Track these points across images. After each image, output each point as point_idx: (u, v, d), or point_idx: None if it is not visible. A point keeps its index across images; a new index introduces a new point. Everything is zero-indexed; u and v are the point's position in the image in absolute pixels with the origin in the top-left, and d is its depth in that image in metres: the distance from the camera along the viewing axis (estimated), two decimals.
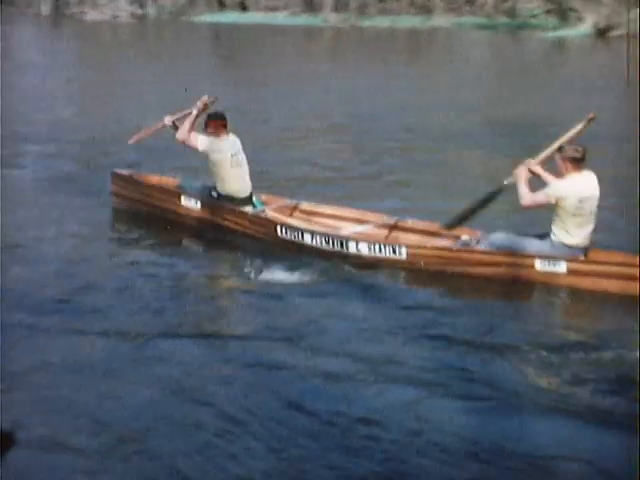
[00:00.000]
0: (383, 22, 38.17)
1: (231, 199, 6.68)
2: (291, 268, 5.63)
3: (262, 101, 15.25)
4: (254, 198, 6.79)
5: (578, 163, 5.48)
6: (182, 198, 6.77)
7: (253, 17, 42.43)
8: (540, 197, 5.54)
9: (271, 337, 4.70)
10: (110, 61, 23.06)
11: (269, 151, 10.08)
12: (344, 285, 5.47)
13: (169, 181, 7.17)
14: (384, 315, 5.02)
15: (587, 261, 5.50)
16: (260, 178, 7.15)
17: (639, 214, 6.59)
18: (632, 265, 5.29)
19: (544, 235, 5.60)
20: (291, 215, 6.78)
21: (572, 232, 5.52)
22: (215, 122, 6.69)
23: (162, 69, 20.72)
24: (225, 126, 6.69)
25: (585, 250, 5.58)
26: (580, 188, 5.48)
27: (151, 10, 43.32)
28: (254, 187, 6.80)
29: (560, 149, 5.55)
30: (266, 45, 29.32)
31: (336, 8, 40.81)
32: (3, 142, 10.27)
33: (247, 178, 6.79)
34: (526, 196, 5.57)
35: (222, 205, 6.61)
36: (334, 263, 5.77)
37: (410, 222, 6.33)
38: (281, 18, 41.51)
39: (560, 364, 4.35)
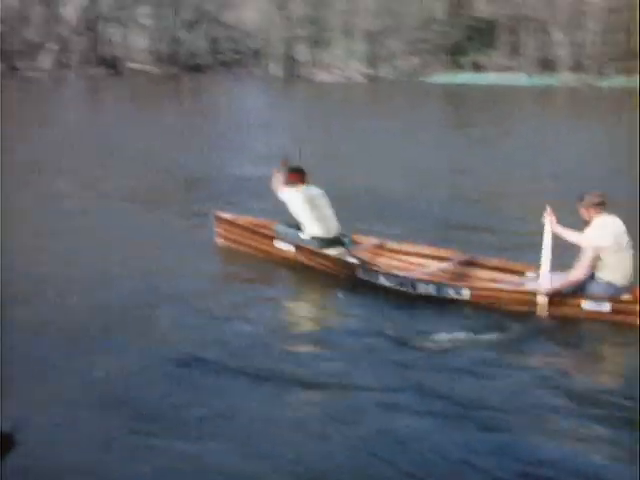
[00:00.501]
0: (620, 82, 36.24)
1: (320, 240, 7.33)
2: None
3: (496, 161, 14.56)
4: (344, 238, 7.43)
5: (600, 207, 5.90)
6: (275, 241, 7.42)
7: (487, 77, 41.91)
8: (585, 261, 5.84)
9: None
10: (339, 121, 23.32)
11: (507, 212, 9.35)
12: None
13: (265, 223, 7.92)
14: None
15: (629, 301, 5.82)
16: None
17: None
18: None
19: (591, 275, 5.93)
20: (377, 254, 7.40)
21: (615, 269, 5.87)
22: (293, 175, 7.51)
23: (392, 128, 20.62)
24: (302, 178, 7.50)
25: (628, 289, 5.87)
26: (610, 225, 5.88)
27: (384, 71, 43.92)
28: None
29: (581, 199, 5.96)
30: (499, 105, 28.53)
31: (573, 68, 39.34)
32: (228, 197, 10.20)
33: (332, 222, 7.45)
34: (576, 273, 5.87)
35: (310, 248, 7.20)
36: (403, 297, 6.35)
37: (482, 259, 6.95)
38: (516, 78, 40.66)
39: None
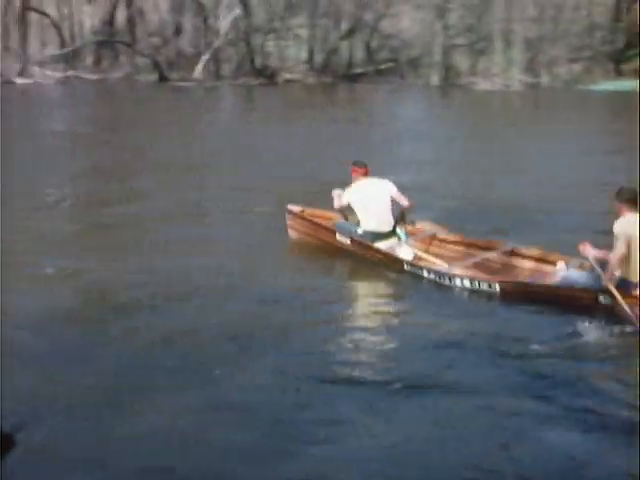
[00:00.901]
0: None
1: (374, 234, 8.22)
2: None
3: None
4: (399, 230, 8.27)
5: (633, 204, 6.33)
6: (337, 235, 8.44)
7: None
8: (618, 252, 6.25)
9: None
10: (501, 130, 22.85)
11: None
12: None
13: (331, 216, 8.86)
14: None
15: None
16: None
17: None
18: None
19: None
20: (430, 244, 8.35)
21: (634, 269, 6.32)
22: (355, 168, 8.49)
23: (555, 135, 20.00)
24: (365, 172, 8.43)
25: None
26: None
27: (545, 78, 42.75)
28: None
29: (618, 194, 6.44)
30: None
31: None
32: None
33: (386, 216, 8.31)
34: (608, 275, 6.29)
35: (365, 241, 8.15)
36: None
37: (523, 249, 7.68)
38: None
39: None
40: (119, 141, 19.20)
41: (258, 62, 42.01)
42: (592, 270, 6.60)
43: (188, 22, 43.03)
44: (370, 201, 8.32)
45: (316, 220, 8.83)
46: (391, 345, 5.88)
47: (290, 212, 8.99)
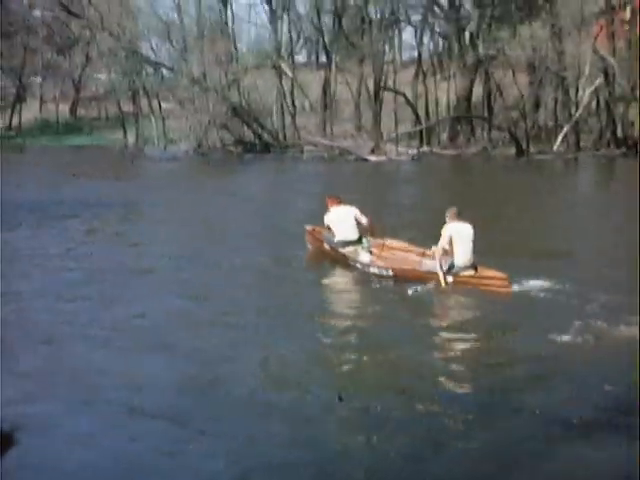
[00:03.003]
0: None
1: (344, 242, 12.71)
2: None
3: None
4: (363, 240, 12.63)
5: (456, 217, 11.19)
6: (324, 244, 13.20)
7: None
8: (440, 245, 11.14)
9: None
10: None
11: None
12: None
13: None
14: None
15: (467, 275, 11.00)
16: None
17: None
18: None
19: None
20: (382, 250, 12.62)
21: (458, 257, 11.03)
22: (330, 200, 13.13)
23: None
24: (337, 202, 13.06)
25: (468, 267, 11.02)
26: (454, 227, 11.13)
27: None
28: None
29: (448, 211, 11.29)
30: None
31: None
32: None
33: (351, 230, 12.72)
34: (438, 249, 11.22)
35: (335, 247, 12.79)
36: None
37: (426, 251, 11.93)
38: None
39: None
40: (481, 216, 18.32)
41: (619, 132, 40.38)
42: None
43: (547, 95, 42.78)
44: (341, 220, 12.82)
45: (316, 234, 13.59)
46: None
47: (307, 230, 13.93)
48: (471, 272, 10.87)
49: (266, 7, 46.17)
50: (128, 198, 23.10)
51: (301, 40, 48.93)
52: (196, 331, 8.99)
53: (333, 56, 45.28)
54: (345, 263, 12.41)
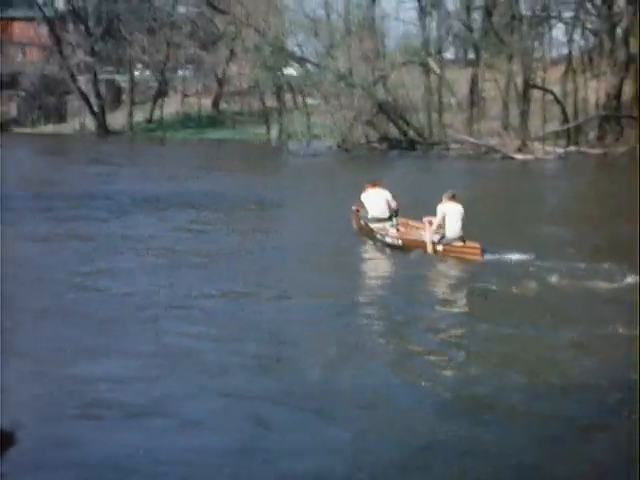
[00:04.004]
0: None
1: (375, 219, 16.01)
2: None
3: None
4: (393, 219, 15.88)
5: (452, 198, 14.92)
6: (361, 220, 16.43)
7: None
8: (436, 221, 14.66)
9: None
10: None
11: None
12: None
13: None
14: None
15: (456, 245, 14.51)
16: None
17: None
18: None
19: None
20: (406, 227, 15.93)
21: (449, 230, 14.56)
22: (369, 184, 16.33)
23: None
24: (374, 185, 16.34)
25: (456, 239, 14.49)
26: (449, 206, 14.66)
27: None
28: None
29: (445, 193, 15.06)
30: None
31: None
32: None
33: (382, 208, 15.97)
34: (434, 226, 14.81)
35: (367, 222, 16.13)
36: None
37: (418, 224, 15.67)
38: None
39: None
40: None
41: None
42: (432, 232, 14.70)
43: None
44: (374, 199, 16.06)
45: (358, 214, 16.60)
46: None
47: (352, 210, 16.83)
48: (460, 243, 14.27)
49: (415, 4, 47.22)
50: (268, 192, 24.32)
51: (449, 37, 49.68)
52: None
53: (482, 53, 45.92)
54: (373, 235, 15.84)
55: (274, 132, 49.97)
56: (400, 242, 15.33)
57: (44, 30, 59.49)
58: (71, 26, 58.82)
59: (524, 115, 44.15)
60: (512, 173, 35.93)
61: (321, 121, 45.65)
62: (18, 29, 64.57)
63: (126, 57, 57.49)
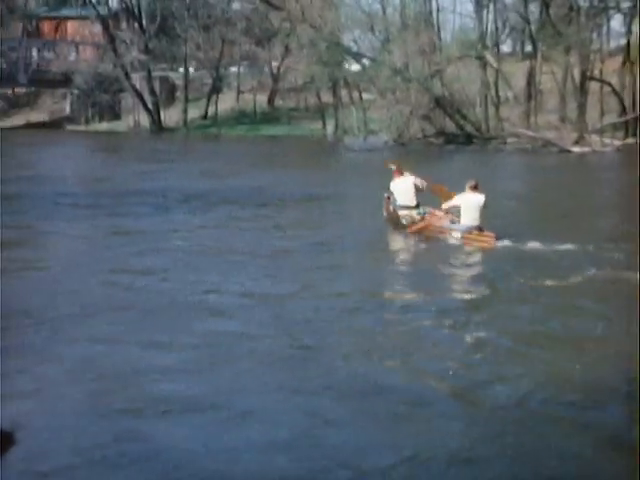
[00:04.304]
0: None
1: (403, 206, 16.51)
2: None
3: None
4: (420, 207, 16.46)
5: (474, 188, 15.52)
6: (391, 207, 16.71)
7: None
8: (453, 203, 15.77)
9: None
10: None
11: None
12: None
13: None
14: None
15: (475, 234, 15.11)
16: None
17: None
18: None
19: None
20: (432, 215, 16.32)
21: (467, 218, 15.28)
22: (395, 171, 16.75)
23: None
24: (400, 172, 16.75)
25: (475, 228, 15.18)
26: (467, 195, 15.45)
27: None
28: None
29: (467, 183, 15.75)
30: None
31: None
32: None
33: (410, 196, 16.48)
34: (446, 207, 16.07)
35: (396, 209, 16.57)
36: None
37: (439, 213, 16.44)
38: None
39: None
40: None
41: None
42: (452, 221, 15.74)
43: None
44: (403, 187, 16.53)
45: (389, 201, 16.87)
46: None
47: (385, 197, 16.89)
48: (476, 232, 15.10)
49: None
50: (323, 187, 24.45)
51: (506, 29, 50.06)
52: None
53: (539, 45, 46.17)
54: (399, 222, 16.55)
55: (330, 128, 50.74)
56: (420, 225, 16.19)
57: (98, 28, 60.74)
58: (125, 24, 60.11)
59: (581, 107, 44.38)
60: (569, 166, 36.23)
61: (377, 116, 46.27)
62: (72, 28, 66.13)
63: (180, 54, 58.54)
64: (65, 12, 66.62)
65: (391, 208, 16.77)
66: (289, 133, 52.63)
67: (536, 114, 45.46)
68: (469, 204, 15.13)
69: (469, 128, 45.09)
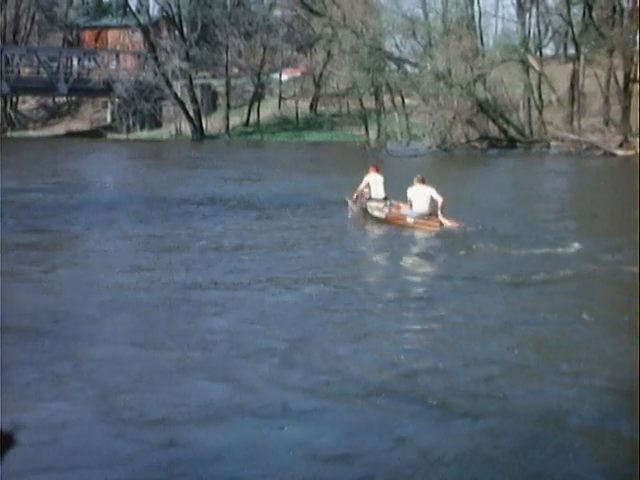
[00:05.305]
0: None
1: (372, 199, 19.13)
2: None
3: None
4: (387, 200, 18.87)
5: (422, 181, 18.04)
6: (361, 200, 19.45)
7: None
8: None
9: None
10: None
11: None
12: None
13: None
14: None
15: (425, 219, 17.38)
16: None
17: None
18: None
19: None
20: (398, 208, 18.57)
21: (417, 206, 17.73)
22: (372, 167, 19.99)
23: None
24: (376, 170, 19.83)
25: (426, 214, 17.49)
26: (420, 189, 17.83)
27: None
28: None
29: (415, 177, 18.35)
30: None
31: None
32: None
33: (380, 191, 19.26)
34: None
35: (367, 200, 19.16)
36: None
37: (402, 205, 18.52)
38: None
39: None
40: None
41: None
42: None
43: None
44: (374, 182, 19.45)
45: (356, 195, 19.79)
46: None
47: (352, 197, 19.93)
48: (426, 218, 17.43)
49: (514, 0, 49.06)
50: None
51: (549, 32, 51.37)
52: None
53: (582, 48, 47.47)
54: (367, 211, 19.12)
55: (372, 133, 52.45)
56: (383, 215, 18.72)
57: (138, 37, 62.98)
58: (165, 32, 62.11)
59: (625, 110, 45.53)
60: (614, 169, 37.18)
61: (420, 121, 47.85)
62: (112, 37, 68.64)
63: (222, 61, 60.56)
64: (106, 21, 69.07)
65: (363, 200, 19.41)
66: (332, 139, 54.37)
67: (579, 117, 46.76)
68: (419, 195, 17.63)
69: (512, 132, 46.58)
